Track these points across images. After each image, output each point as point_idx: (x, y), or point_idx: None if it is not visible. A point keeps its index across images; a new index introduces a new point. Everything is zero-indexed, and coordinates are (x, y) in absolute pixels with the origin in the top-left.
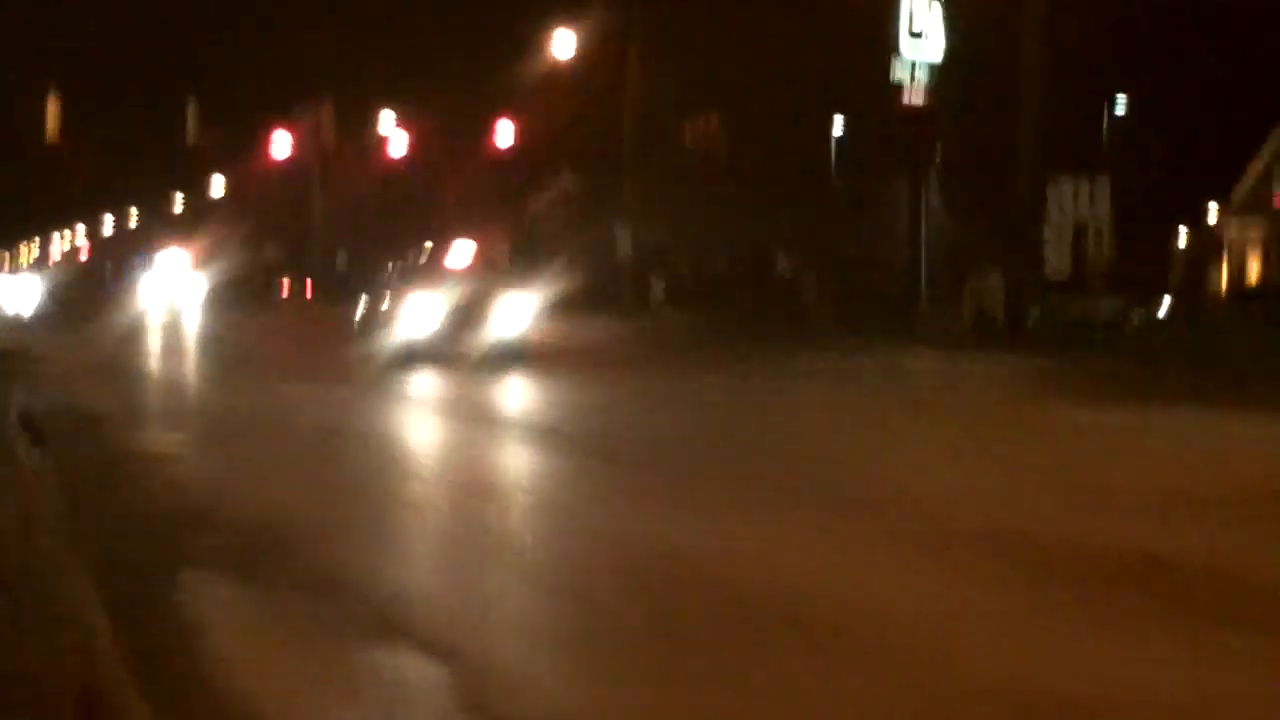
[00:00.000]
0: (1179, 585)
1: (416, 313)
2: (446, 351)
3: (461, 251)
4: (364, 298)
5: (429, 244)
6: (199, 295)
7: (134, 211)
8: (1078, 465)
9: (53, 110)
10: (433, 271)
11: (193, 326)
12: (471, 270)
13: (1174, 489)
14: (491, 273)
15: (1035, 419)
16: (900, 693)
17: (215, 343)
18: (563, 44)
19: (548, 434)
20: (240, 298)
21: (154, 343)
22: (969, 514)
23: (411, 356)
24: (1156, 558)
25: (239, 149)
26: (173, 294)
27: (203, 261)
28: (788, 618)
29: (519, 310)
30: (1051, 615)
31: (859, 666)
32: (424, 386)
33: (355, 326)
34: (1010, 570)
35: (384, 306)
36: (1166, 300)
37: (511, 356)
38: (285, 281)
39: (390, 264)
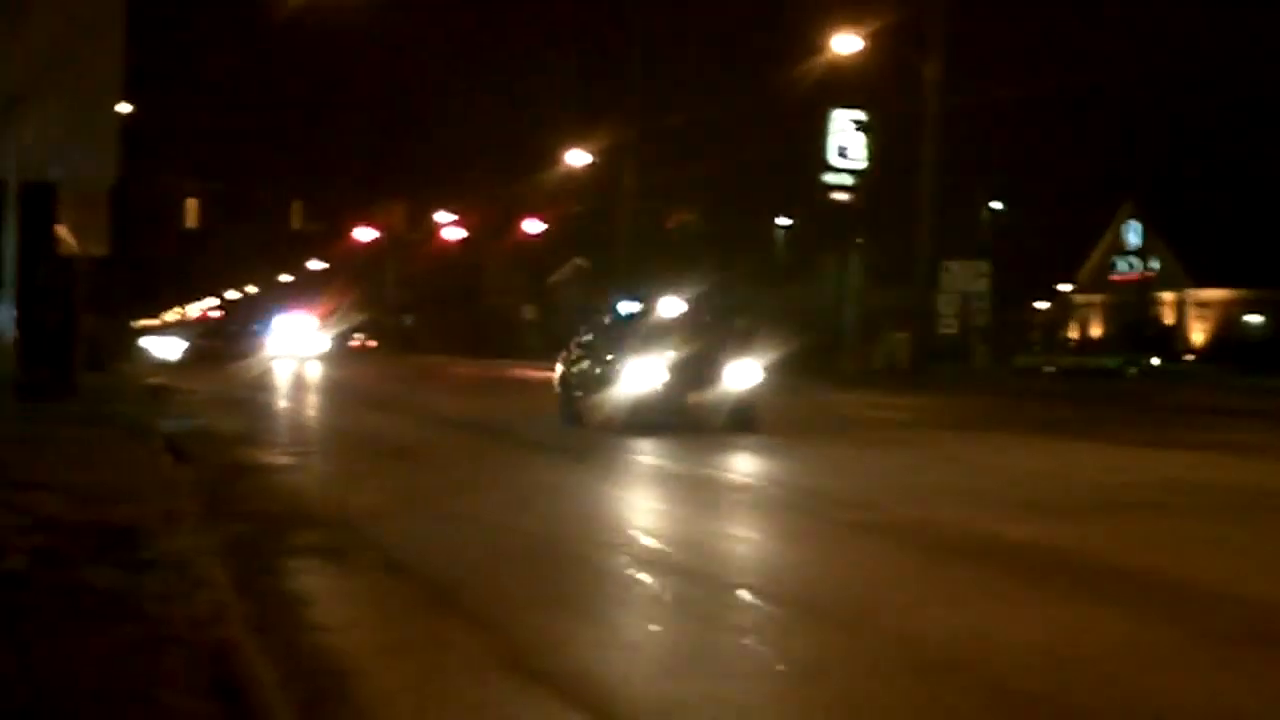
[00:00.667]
0: (1012, 558)
1: (639, 370)
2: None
3: (675, 308)
4: (566, 355)
5: (635, 301)
6: (319, 349)
7: (250, 287)
8: (957, 472)
9: (192, 206)
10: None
11: (314, 372)
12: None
13: (1033, 496)
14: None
15: (933, 439)
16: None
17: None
18: (576, 157)
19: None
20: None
21: (278, 382)
22: (878, 512)
23: (638, 413)
24: (1011, 541)
25: (333, 237)
26: (294, 347)
27: (323, 322)
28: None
29: (747, 368)
30: (938, 577)
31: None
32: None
33: (557, 385)
34: (892, 543)
35: (594, 365)
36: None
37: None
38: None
39: (584, 323)
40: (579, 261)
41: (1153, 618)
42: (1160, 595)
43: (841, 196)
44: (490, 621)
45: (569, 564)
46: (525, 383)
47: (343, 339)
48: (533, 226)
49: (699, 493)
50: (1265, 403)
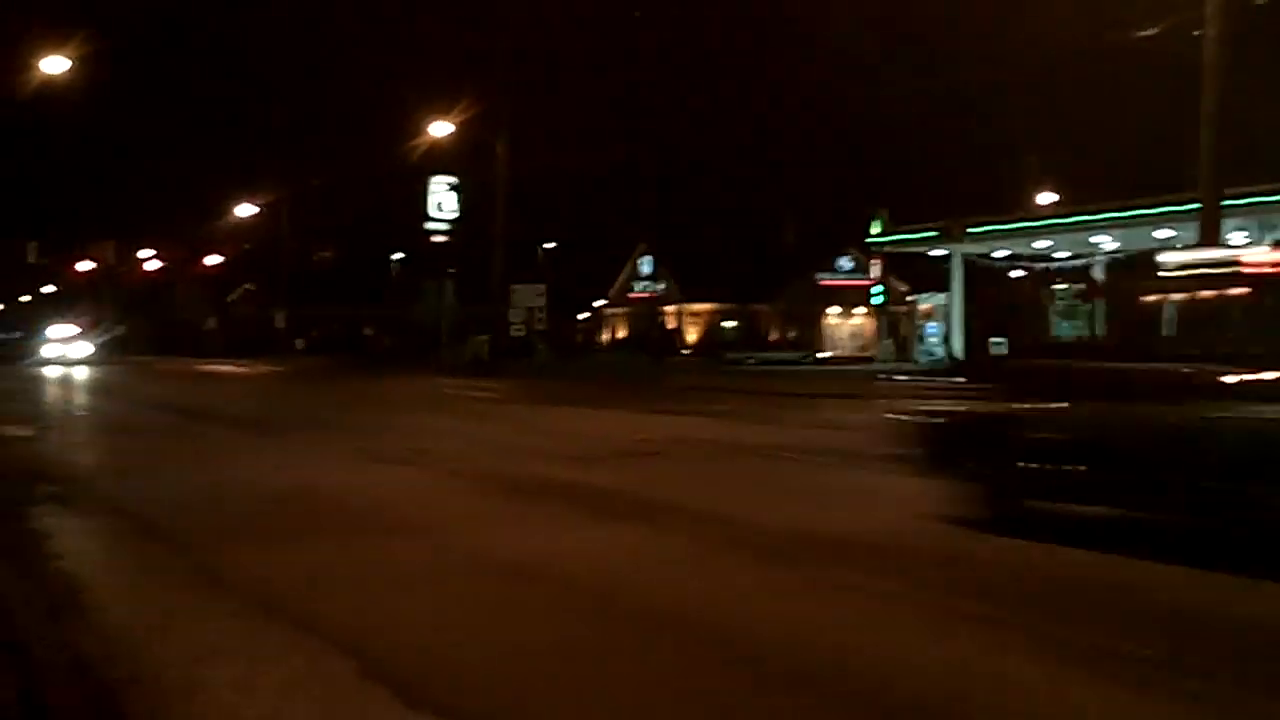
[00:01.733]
0: (565, 494)
1: None
2: None
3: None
4: None
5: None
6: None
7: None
8: (528, 435)
9: None
10: None
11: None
12: None
13: (582, 450)
14: None
15: (508, 411)
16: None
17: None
18: (245, 208)
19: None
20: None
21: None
22: (470, 464)
23: None
24: (569, 482)
25: (59, 268)
26: (64, 352)
27: (86, 333)
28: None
29: None
30: (512, 510)
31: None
32: None
33: None
34: (484, 487)
35: None
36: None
37: None
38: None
39: None
40: (248, 286)
41: (669, 531)
42: (668, 516)
43: (439, 238)
44: (185, 548)
45: (254, 503)
46: (212, 375)
47: (103, 347)
48: (213, 260)
49: (312, 450)
50: (735, 383)
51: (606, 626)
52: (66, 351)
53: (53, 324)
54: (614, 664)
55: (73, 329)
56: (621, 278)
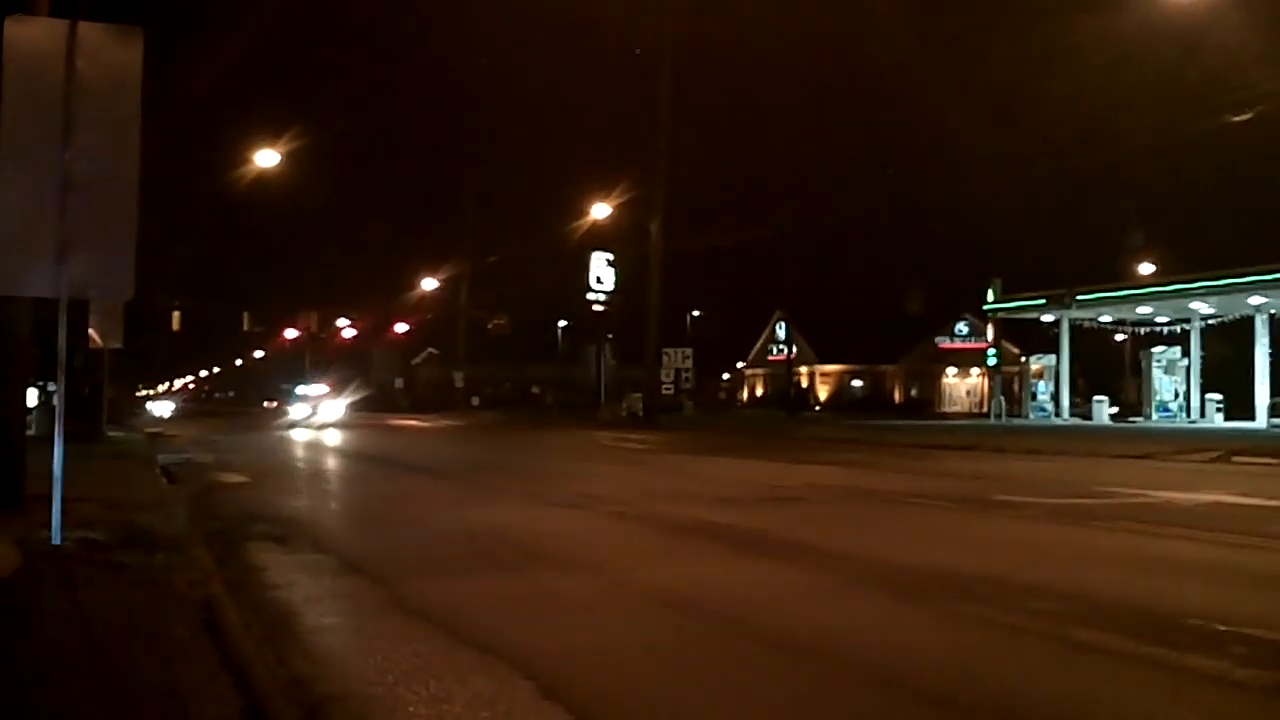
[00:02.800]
0: (718, 535)
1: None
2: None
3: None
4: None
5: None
6: (334, 415)
7: (216, 368)
8: (681, 482)
9: (176, 315)
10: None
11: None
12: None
13: (728, 494)
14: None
15: (661, 460)
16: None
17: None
18: (429, 282)
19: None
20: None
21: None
22: (628, 507)
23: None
24: (717, 524)
25: (269, 336)
26: (316, 413)
27: (333, 394)
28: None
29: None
30: (669, 547)
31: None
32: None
33: None
34: (644, 527)
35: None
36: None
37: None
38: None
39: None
40: (431, 350)
41: (810, 569)
42: (812, 555)
43: (598, 307)
44: (382, 579)
45: (441, 541)
46: (401, 428)
47: (348, 407)
48: (401, 328)
49: (487, 494)
50: (864, 435)
51: (751, 650)
52: (317, 413)
53: (302, 384)
54: (760, 683)
55: (322, 389)
56: (760, 341)
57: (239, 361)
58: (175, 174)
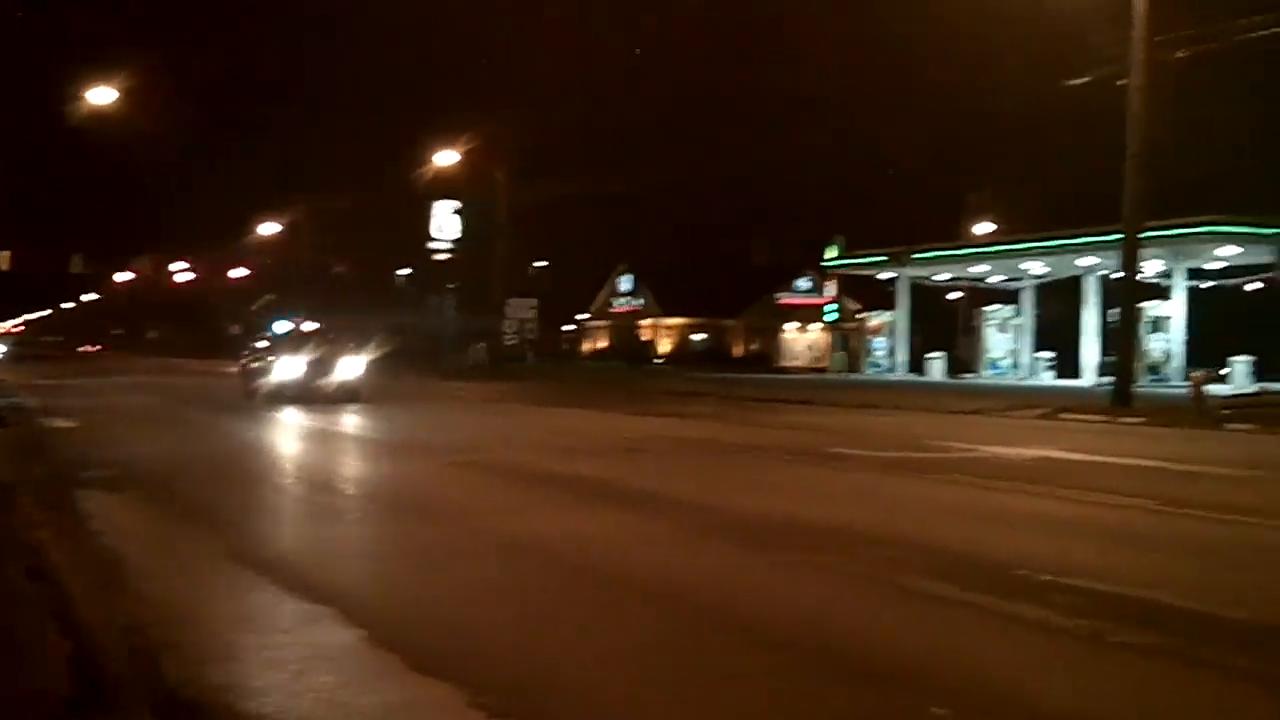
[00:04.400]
0: (563, 483)
1: (287, 365)
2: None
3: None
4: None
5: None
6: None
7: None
8: (531, 432)
9: (5, 256)
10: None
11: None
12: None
13: (577, 445)
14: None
15: (509, 410)
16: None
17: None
18: (268, 227)
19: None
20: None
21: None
22: (474, 455)
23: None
24: (566, 474)
25: (101, 279)
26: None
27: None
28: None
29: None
30: (518, 496)
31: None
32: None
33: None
34: (493, 476)
35: (261, 361)
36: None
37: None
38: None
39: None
40: (270, 296)
41: (654, 518)
42: (658, 505)
43: (441, 256)
44: (223, 529)
45: (254, 484)
46: (228, 375)
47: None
48: (238, 273)
49: (333, 441)
50: (707, 388)
51: (596, 594)
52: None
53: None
54: (603, 624)
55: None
56: (603, 294)
57: (67, 304)
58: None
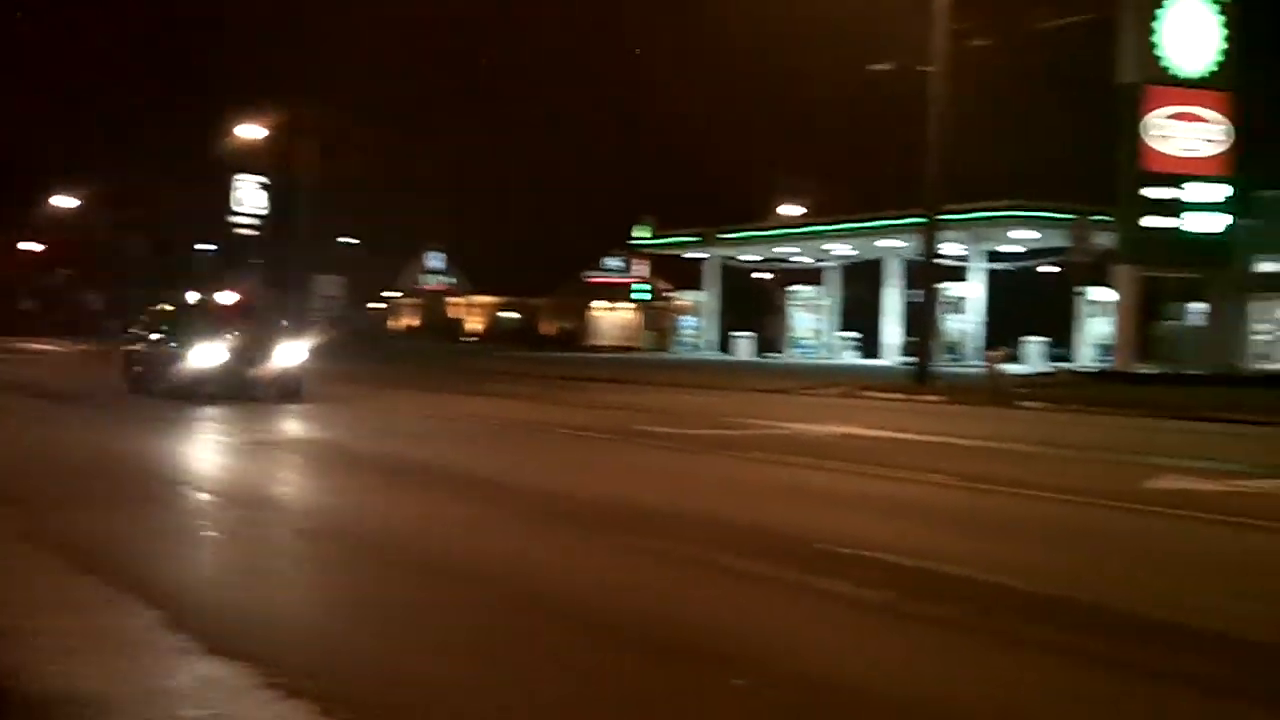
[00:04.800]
0: (385, 466)
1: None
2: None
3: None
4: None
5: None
6: None
7: None
8: (340, 412)
9: None
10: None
11: None
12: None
13: (387, 425)
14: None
15: (316, 389)
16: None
17: None
18: (61, 200)
19: None
20: None
21: None
22: (279, 434)
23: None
24: (373, 454)
25: None
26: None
27: None
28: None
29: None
30: (324, 478)
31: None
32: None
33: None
34: (299, 457)
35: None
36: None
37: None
38: None
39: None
40: (66, 271)
41: (476, 502)
42: (479, 489)
43: (245, 231)
44: (16, 510)
45: (84, 472)
46: (45, 353)
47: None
48: (32, 245)
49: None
50: (517, 367)
51: (397, 574)
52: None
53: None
54: (399, 602)
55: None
56: (412, 271)
57: None
58: None
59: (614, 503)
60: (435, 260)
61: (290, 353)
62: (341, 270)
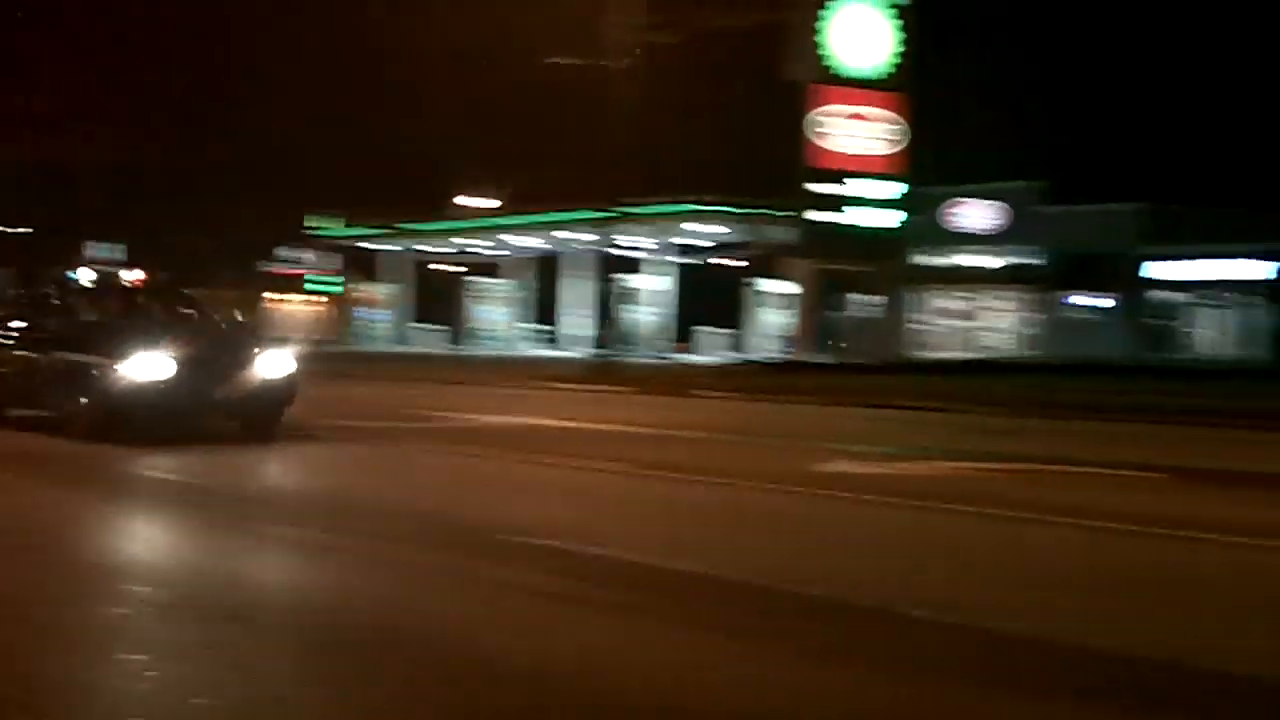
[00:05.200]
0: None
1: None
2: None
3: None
4: None
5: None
6: None
7: None
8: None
9: None
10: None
11: None
12: None
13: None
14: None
15: None
16: None
17: None
18: None
19: None
20: None
21: None
22: None
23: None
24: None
25: None
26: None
27: None
28: None
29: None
30: None
31: None
32: None
33: None
34: None
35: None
36: None
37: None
38: None
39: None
40: None
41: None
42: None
43: None
44: None
45: None
46: None
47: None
48: None
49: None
50: None
51: None
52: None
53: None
54: None
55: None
56: (76, 260)
57: None
58: None
59: (287, 495)
60: (102, 250)
61: (273, 362)
62: (11, 261)
